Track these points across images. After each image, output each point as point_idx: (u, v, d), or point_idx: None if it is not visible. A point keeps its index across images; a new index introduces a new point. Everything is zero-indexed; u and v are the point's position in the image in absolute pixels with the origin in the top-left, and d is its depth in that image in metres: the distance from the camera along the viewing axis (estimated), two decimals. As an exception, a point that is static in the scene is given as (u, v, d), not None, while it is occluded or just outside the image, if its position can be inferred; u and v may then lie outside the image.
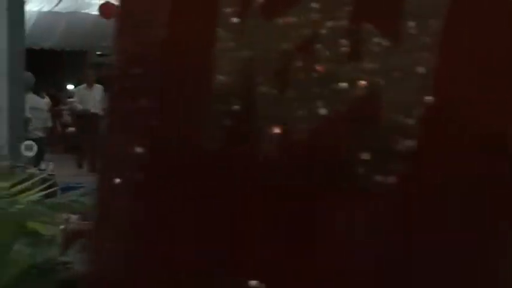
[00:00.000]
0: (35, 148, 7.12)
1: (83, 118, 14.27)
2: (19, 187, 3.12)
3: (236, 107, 0.91)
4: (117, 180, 0.98)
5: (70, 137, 17.18)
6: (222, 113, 0.91)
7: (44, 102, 13.56)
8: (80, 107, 14.72)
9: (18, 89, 7.94)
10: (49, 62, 24.56)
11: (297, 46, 0.92)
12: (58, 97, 18.78)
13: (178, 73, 0.95)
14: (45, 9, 21.28)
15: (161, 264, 0.93)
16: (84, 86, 14.70)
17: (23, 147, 7.00)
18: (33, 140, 7.62)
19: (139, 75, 0.98)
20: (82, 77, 14.66)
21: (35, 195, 3.06)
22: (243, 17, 0.93)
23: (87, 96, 14.39)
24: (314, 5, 0.91)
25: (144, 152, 0.96)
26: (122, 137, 0.98)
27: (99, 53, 32.51)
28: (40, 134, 11.41)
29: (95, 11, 20.67)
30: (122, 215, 0.98)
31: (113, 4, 19.85)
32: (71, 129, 17.13)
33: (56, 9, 21.76)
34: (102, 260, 0.99)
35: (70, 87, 26.15)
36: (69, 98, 19.97)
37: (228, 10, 0.93)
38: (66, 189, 3.82)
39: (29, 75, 9.95)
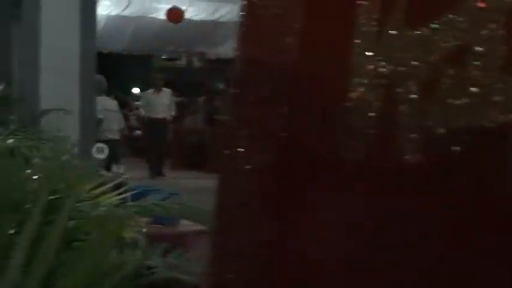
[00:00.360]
0: (106, 150, 7.18)
1: (150, 123, 14.26)
2: (99, 190, 3.14)
3: (374, 116, 0.89)
4: (244, 192, 0.96)
5: (137, 141, 17.39)
6: (360, 122, 0.89)
7: (115, 104, 13.71)
8: (143, 112, 14.72)
9: (89, 91, 8.04)
10: (116, 65, 24.89)
11: (445, 57, 0.90)
12: (125, 100, 19.00)
13: (310, 81, 0.93)
14: (114, 13, 21.54)
15: (302, 274, 0.92)
16: (151, 90, 14.67)
17: (94, 149, 7.07)
18: (105, 141, 7.69)
19: (265, 83, 0.97)
20: (150, 82, 14.65)
21: (114, 198, 3.08)
22: (383, 26, 0.92)
23: (154, 101, 14.36)
24: (463, 16, 0.88)
25: (274, 161, 0.94)
26: (251, 145, 0.96)
27: (165, 57, 32.89)
28: (112, 136, 11.42)
29: (162, 16, 20.87)
30: (252, 226, 0.97)
31: (180, 9, 20.02)
32: (138, 132, 17.31)
33: (124, 13, 22.02)
34: (226, 272, 0.98)
35: (136, 90, 26.48)
36: (135, 101, 20.21)
37: (366, 18, 0.91)
38: (141, 193, 3.84)
39: (100, 78, 10.07)
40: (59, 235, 2.14)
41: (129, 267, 2.03)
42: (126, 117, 17.49)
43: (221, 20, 23.84)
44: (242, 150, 0.96)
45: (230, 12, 23.21)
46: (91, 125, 8.23)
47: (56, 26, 7.64)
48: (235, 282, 0.97)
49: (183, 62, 37.01)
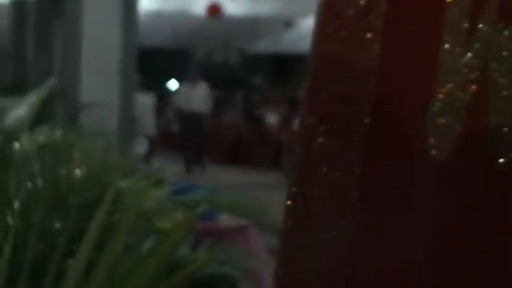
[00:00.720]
0: (146, 145, 7.22)
1: (186, 116, 14.14)
2: (143, 184, 3.16)
3: (464, 112, 0.88)
4: (323, 190, 0.97)
5: (173, 134, 17.44)
6: (449, 119, 0.88)
7: (151, 100, 13.75)
8: (179, 105, 14.55)
9: (129, 86, 8.07)
10: (154, 60, 24.97)
11: None
12: (163, 95, 19.05)
13: (395, 77, 0.92)
14: (153, 8, 21.64)
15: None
16: (188, 84, 14.51)
17: (134, 144, 7.12)
18: (143, 137, 7.73)
19: (346, 80, 0.97)
20: (186, 75, 14.56)
21: (159, 192, 3.09)
22: (475, 22, 0.91)
23: (191, 94, 14.24)
24: None
25: (355, 159, 0.95)
26: (332, 143, 0.96)
27: (203, 52, 32.92)
28: (148, 131, 11.49)
29: (201, 11, 20.92)
30: (331, 223, 0.97)
31: (219, 4, 20.05)
32: (174, 127, 17.36)
33: (163, 8, 22.11)
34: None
35: (174, 85, 26.57)
36: (172, 96, 20.28)
37: (457, 14, 0.90)
38: (184, 188, 3.85)
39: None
40: (120, 233, 2.15)
41: (193, 266, 2.03)
42: (162, 111, 17.55)
43: (260, 15, 23.85)
44: (319, 147, 0.97)
45: (269, 8, 23.21)
46: (131, 120, 8.27)
47: (98, 20, 7.69)
48: (314, 277, 0.97)
49: (220, 57, 37.12)
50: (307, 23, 25.73)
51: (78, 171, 2.79)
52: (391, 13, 0.94)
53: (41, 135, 3.27)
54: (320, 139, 0.99)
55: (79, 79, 7.78)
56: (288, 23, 24.97)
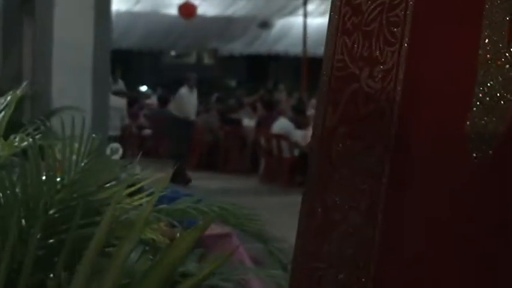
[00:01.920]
0: (121, 151, 7.18)
1: (180, 123, 13.77)
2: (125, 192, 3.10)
3: (507, 112, 0.84)
4: (348, 194, 0.93)
5: (145, 140, 17.38)
6: (491, 120, 0.84)
7: (122, 102, 13.68)
8: (174, 112, 14.12)
9: (102, 89, 8.01)
10: (125, 62, 24.86)
11: None
12: (134, 98, 18.95)
13: (426, 79, 0.89)
14: (124, 9, 21.55)
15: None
16: (186, 89, 13.99)
17: (108, 149, 7.04)
18: (110, 138, 7.66)
19: (369, 79, 0.94)
20: (185, 80, 14.14)
21: (143, 200, 3.04)
22: None
23: (187, 101, 13.91)
24: None
25: (380, 162, 0.91)
26: (355, 146, 0.93)
27: (175, 54, 32.86)
28: (113, 132, 11.47)
29: (174, 11, 20.85)
30: (359, 228, 0.94)
31: (192, 4, 19.99)
32: (147, 131, 17.30)
33: (135, 9, 22.03)
34: None
35: (144, 88, 26.51)
36: (146, 99, 20.19)
37: (497, 7, 0.86)
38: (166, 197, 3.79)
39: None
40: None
41: (197, 278, 1.97)
42: (135, 116, 17.47)
43: (235, 16, 23.83)
44: (340, 151, 0.94)
45: (244, 8, 23.20)
46: (104, 124, 8.21)
47: (69, 21, 7.61)
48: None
49: (193, 58, 37.07)
50: (283, 23, 25.78)
51: (57, 179, 2.74)
52: (420, 6, 0.90)
53: (16, 142, 3.20)
54: (341, 142, 0.95)
55: (50, 82, 7.70)
56: (264, 23, 24.99)
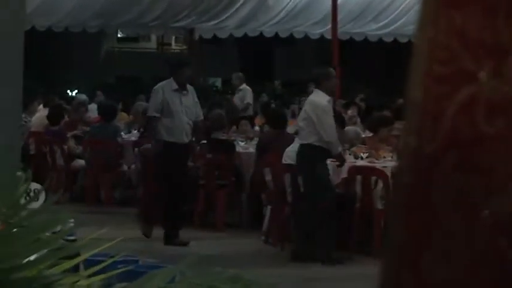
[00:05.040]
0: (43, 195, 7.41)
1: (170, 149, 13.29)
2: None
3: None
4: None
5: (78, 176, 17.36)
6: None
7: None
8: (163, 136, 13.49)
9: (13, 90, 8.09)
10: (43, 49, 25.05)
11: None
12: (58, 109, 18.98)
13: None
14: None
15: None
16: (170, 88, 13.25)
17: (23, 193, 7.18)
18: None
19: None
20: (174, 74, 13.57)
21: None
22: None
23: (176, 105, 13.26)
24: None
25: None
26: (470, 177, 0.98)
27: (122, 35, 32.97)
28: None
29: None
30: None
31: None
32: (80, 161, 17.32)
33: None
34: None
35: (76, 93, 26.44)
36: (79, 104, 19.93)
37: None
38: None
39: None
40: None
41: None
42: (60, 138, 17.46)
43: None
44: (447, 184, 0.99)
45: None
46: (16, 145, 8.29)
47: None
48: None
49: (153, 44, 37.12)
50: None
51: None
52: None
53: None
54: (452, 176, 1.00)
55: None
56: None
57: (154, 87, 13.89)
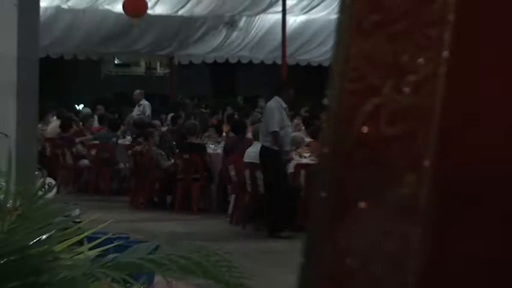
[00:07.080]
0: (55, 188, 7.23)
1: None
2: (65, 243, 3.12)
3: None
4: None
5: (83, 172, 17.33)
6: None
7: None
8: None
9: (29, 109, 7.98)
10: (55, 72, 24.86)
11: None
12: (68, 120, 18.88)
13: (476, 95, 0.92)
14: (54, 4, 21.54)
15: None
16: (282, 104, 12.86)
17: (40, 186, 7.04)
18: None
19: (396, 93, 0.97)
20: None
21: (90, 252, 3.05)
22: None
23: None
24: None
25: None
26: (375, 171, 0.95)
27: (118, 62, 32.78)
28: None
29: (118, 8, 20.86)
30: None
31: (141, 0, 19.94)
32: (85, 161, 17.27)
33: (68, 4, 22.02)
34: None
35: (81, 107, 26.33)
36: (88, 116, 19.95)
37: None
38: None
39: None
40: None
41: None
42: (70, 143, 17.41)
43: (195, 14, 23.86)
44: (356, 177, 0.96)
45: (207, 4, 23.26)
46: (32, 152, 8.17)
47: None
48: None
49: (142, 68, 37.02)
50: (257, 22, 25.88)
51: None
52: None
53: None
54: (360, 169, 0.98)
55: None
56: (231, 22, 25.05)
57: (270, 106, 13.04)
